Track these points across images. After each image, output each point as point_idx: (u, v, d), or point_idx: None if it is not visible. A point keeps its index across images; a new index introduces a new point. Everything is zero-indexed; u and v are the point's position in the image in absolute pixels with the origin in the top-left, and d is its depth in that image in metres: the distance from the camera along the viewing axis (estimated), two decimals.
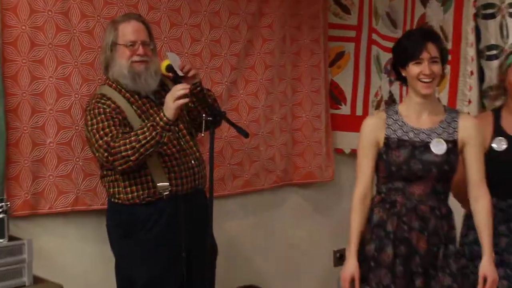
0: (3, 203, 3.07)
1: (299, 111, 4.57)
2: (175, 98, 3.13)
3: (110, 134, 3.17)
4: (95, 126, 3.21)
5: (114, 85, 3.36)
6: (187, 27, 4.03)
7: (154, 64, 3.36)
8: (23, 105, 3.45)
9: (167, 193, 3.28)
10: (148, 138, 3.13)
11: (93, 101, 3.30)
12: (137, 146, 3.13)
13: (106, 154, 3.16)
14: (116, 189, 3.32)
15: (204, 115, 3.17)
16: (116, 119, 3.20)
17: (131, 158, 3.14)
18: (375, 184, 3.14)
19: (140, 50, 3.32)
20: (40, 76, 3.50)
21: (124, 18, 3.40)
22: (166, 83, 3.47)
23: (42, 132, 3.51)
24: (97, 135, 3.19)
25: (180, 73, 3.30)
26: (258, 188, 4.40)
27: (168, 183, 3.28)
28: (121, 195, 3.31)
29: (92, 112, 3.25)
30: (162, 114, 3.15)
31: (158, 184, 3.27)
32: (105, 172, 3.37)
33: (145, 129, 3.15)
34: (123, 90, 3.35)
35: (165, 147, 3.28)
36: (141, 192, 3.28)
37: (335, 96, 4.76)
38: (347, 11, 4.71)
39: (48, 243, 3.56)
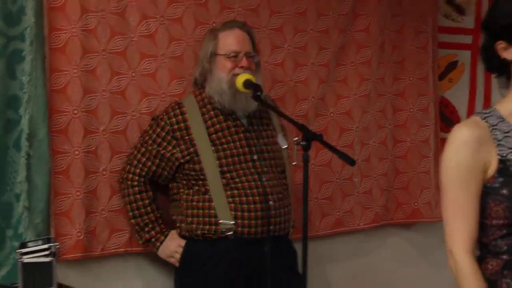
0: (51, 244, 3.04)
1: (402, 134, 4.50)
2: (168, 256, 3.50)
3: (134, 163, 3.49)
4: (138, 143, 3.54)
5: (199, 97, 3.49)
6: (266, 30, 4.00)
7: (258, 80, 3.45)
8: (74, 124, 3.45)
9: (231, 233, 3.34)
10: (132, 221, 3.51)
11: (164, 110, 3.52)
12: (127, 208, 3.53)
13: (121, 174, 3.52)
14: (179, 217, 3.48)
15: (295, 139, 3.18)
16: (153, 150, 3.47)
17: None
18: (481, 239, 2.38)
19: (244, 62, 3.44)
20: (92, 89, 3.51)
21: (226, 26, 3.52)
22: (267, 109, 3.57)
23: (95, 157, 3.51)
24: (134, 151, 3.52)
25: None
26: (352, 228, 4.34)
27: (233, 222, 3.35)
28: (183, 225, 3.46)
29: (150, 126, 3.53)
30: (157, 243, 3.49)
31: (220, 221, 3.36)
32: (173, 196, 3.50)
33: (138, 218, 3.50)
34: (208, 106, 3.46)
35: (236, 179, 3.36)
36: (201, 226, 3.41)
37: (446, 116, 4.68)
38: (462, 11, 4.65)
39: None
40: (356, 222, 4.33)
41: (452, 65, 4.69)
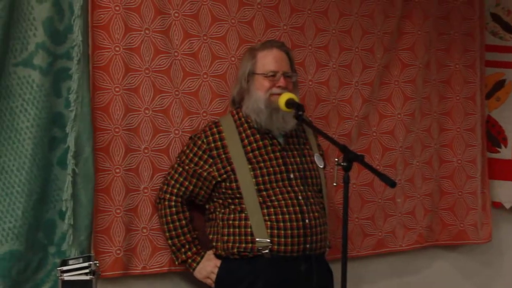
0: (91, 262, 3.07)
1: (448, 154, 4.46)
2: (204, 277, 3.51)
3: (172, 183, 3.51)
4: (175, 162, 3.55)
5: (236, 116, 3.51)
6: (312, 49, 4.00)
7: (298, 100, 3.44)
8: (116, 142, 3.48)
9: (267, 251, 3.35)
10: (169, 242, 3.53)
11: (201, 129, 3.55)
12: (163, 228, 3.54)
13: (158, 194, 3.55)
14: (215, 236, 3.49)
15: (336, 159, 3.15)
16: (190, 170, 3.49)
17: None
18: None
19: (282, 81, 3.45)
20: (135, 107, 3.53)
21: (264, 45, 3.55)
22: (304, 128, 3.58)
23: (136, 176, 3.54)
24: (171, 171, 3.54)
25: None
26: (394, 249, 4.30)
27: (269, 240, 3.36)
28: (219, 243, 3.46)
29: (187, 145, 3.54)
30: (193, 263, 3.52)
31: (257, 239, 3.38)
32: (209, 216, 3.51)
33: (175, 238, 3.51)
34: (245, 125, 3.48)
35: (273, 197, 3.39)
36: (237, 244, 3.40)
37: (492, 136, 4.64)
38: (510, 29, 4.60)
39: None
40: (399, 243, 4.30)
41: (500, 84, 4.64)
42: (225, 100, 3.73)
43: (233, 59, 3.76)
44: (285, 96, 3.40)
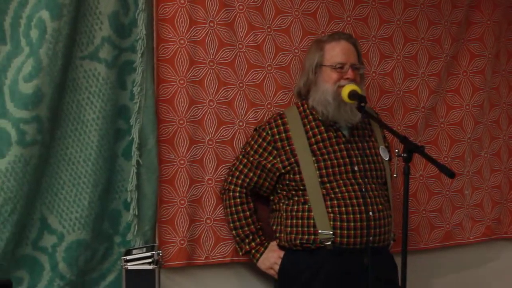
0: (154, 252, 3.11)
1: None
2: (267, 268, 3.51)
3: (236, 174, 3.51)
4: (239, 154, 3.57)
5: (301, 108, 3.51)
6: (376, 40, 3.96)
7: (361, 91, 3.42)
8: (180, 134, 3.51)
9: (329, 243, 3.35)
10: (233, 232, 3.53)
11: (266, 120, 3.56)
12: (228, 219, 3.55)
13: (222, 185, 3.56)
14: (279, 227, 3.50)
15: (396, 150, 3.13)
16: (254, 161, 3.48)
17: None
18: None
19: (350, 73, 3.44)
20: (199, 100, 3.55)
21: (332, 37, 3.52)
22: (369, 120, 3.55)
23: (200, 167, 3.55)
24: (236, 162, 3.55)
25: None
26: (462, 242, 4.24)
27: (331, 232, 3.36)
28: (282, 235, 3.47)
29: (252, 137, 3.55)
30: (257, 254, 3.51)
31: (319, 231, 3.37)
32: (273, 207, 3.52)
33: (239, 229, 3.51)
34: (310, 117, 3.47)
35: (336, 189, 3.38)
36: (300, 236, 3.41)
37: None
38: None
39: None
40: (466, 236, 4.24)
41: None
42: (289, 92, 3.71)
43: (296, 51, 3.75)
44: (348, 88, 3.38)
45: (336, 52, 3.46)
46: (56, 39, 3.15)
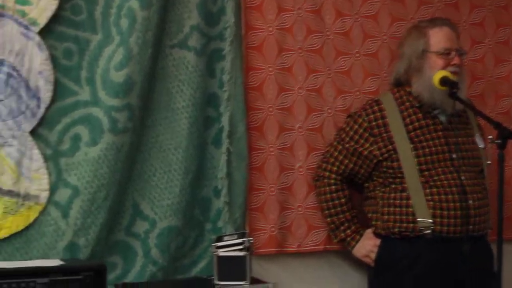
0: (245, 239, 3.10)
1: None
2: (363, 256, 3.46)
3: (331, 161, 3.46)
4: (334, 140, 3.51)
5: (397, 94, 3.45)
6: (466, 25, 3.87)
7: (462, 77, 3.41)
8: (269, 121, 3.50)
9: (429, 231, 3.29)
10: (328, 220, 3.49)
11: (361, 107, 3.49)
12: (322, 206, 3.50)
13: (316, 172, 3.52)
14: (375, 215, 3.45)
15: (490, 137, 3.09)
16: (350, 148, 3.43)
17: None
18: None
19: (456, 59, 3.41)
20: (288, 87, 3.52)
21: (433, 23, 3.48)
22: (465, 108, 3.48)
23: (290, 154, 3.53)
24: (330, 148, 3.49)
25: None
26: None
27: (431, 221, 3.30)
28: (378, 222, 3.43)
29: (347, 123, 3.48)
30: (352, 242, 3.46)
31: (418, 219, 3.32)
32: (368, 194, 3.46)
33: (334, 216, 3.47)
34: (407, 103, 3.42)
35: (435, 177, 3.32)
36: (398, 224, 3.36)
37: None
38: None
39: None
40: None
41: None
42: (378, 79, 3.66)
43: (385, 37, 3.68)
44: (440, 74, 3.32)
45: (441, 37, 3.41)
46: (146, 28, 3.18)
